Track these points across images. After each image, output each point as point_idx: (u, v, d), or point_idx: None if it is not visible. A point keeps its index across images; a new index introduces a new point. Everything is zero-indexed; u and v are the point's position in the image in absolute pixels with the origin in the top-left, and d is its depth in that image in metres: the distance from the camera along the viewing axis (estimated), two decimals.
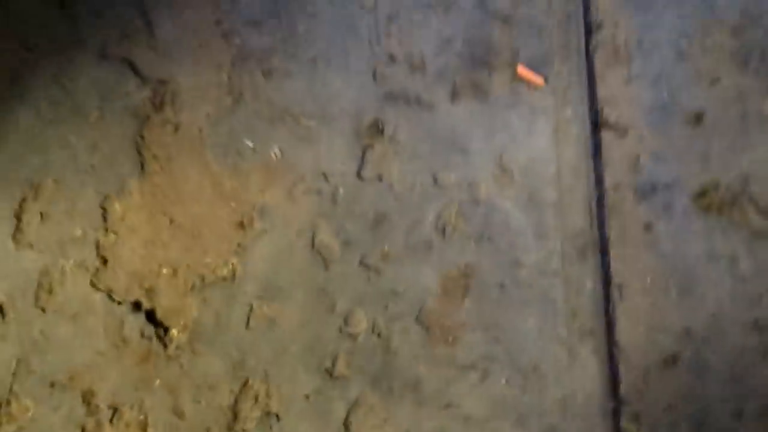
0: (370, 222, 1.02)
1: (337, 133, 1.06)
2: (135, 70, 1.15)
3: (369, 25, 1.11)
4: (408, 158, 1.04)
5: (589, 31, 1.05)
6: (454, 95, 1.05)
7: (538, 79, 1.02)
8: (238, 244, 1.03)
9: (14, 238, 1.10)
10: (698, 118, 1.00)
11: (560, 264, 0.95)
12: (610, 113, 1.01)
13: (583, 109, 1.01)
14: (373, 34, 1.10)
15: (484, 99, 1.04)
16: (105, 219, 1.08)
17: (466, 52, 1.07)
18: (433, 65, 1.07)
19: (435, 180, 1.02)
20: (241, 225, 1.04)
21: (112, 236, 1.07)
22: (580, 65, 1.03)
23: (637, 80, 1.02)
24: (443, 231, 1.00)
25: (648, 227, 0.96)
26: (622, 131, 1.00)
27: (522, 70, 1.03)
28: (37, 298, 1.06)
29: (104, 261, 1.06)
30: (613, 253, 0.96)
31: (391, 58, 1.09)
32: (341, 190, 1.03)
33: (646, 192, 0.98)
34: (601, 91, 1.02)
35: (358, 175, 1.04)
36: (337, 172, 1.04)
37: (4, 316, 1.05)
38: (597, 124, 1.01)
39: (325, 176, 1.04)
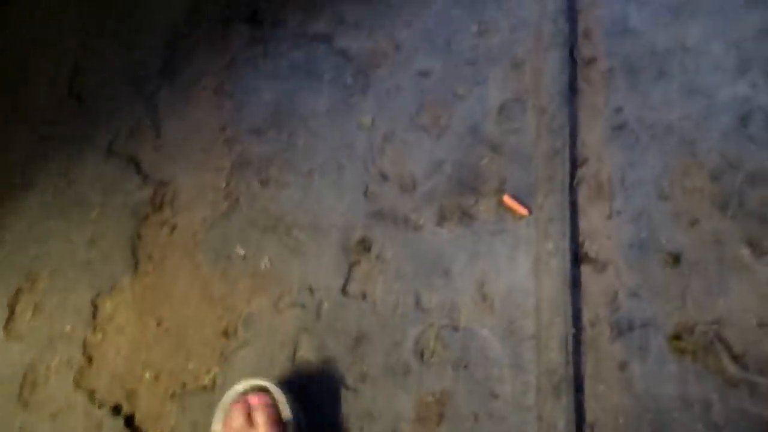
0: (351, 340, 1.05)
1: (325, 247, 1.11)
2: (139, 169, 1.22)
3: (365, 144, 1.17)
4: (392, 278, 1.07)
5: (574, 166, 1.10)
6: (441, 218, 1.10)
7: (523, 210, 1.07)
8: (221, 353, 1.07)
9: (5, 328, 1.14)
10: (676, 259, 1.03)
11: (535, 399, 0.97)
12: (590, 247, 1.05)
13: (564, 241, 1.05)
14: (368, 153, 1.16)
15: (470, 224, 1.09)
16: (94, 316, 1.12)
17: (455, 176, 1.13)
18: (422, 187, 1.13)
19: (417, 301, 1.05)
20: (226, 333, 1.08)
21: (99, 335, 1.11)
22: (564, 199, 1.07)
23: (619, 217, 1.06)
24: (422, 355, 1.02)
25: (623, 366, 0.99)
26: (601, 266, 1.04)
27: (508, 200, 1.07)
28: (20, 393, 1.09)
29: (89, 360, 1.10)
30: (588, 390, 0.98)
31: (383, 177, 1.14)
32: (325, 305, 1.07)
33: (622, 329, 1.00)
34: (583, 225, 1.06)
35: (343, 291, 1.08)
36: (322, 287, 1.08)
37: None
38: (577, 257, 1.05)
39: (310, 290, 1.08)
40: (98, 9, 1.40)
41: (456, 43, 1.24)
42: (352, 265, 1.09)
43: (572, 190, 1.09)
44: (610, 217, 1.07)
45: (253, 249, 1.12)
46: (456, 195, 1.12)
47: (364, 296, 1.07)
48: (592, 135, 1.13)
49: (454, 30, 1.25)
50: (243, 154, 1.20)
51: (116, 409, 1.06)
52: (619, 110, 1.15)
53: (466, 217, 1.10)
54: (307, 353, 1.05)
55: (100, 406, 1.07)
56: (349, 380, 1.03)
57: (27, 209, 1.21)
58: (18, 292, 1.15)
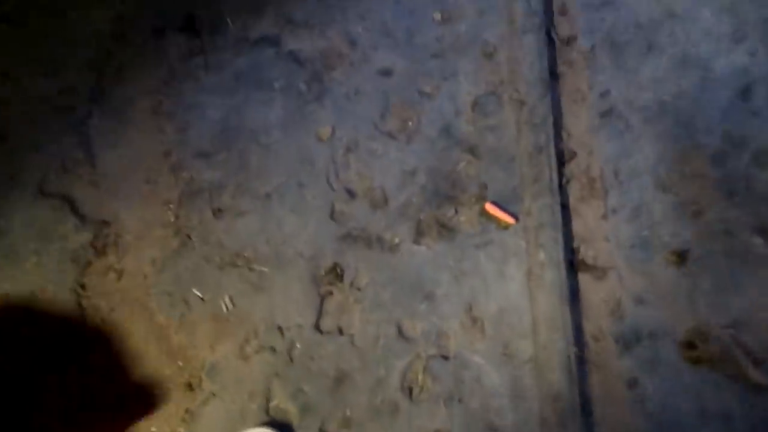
0: (330, 382, 0.94)
1: (292, 279, 1.00)
2: (75, 209, 1.09)
3: (326, 158, 1.05)
4: (370, 307, 0.97)
5: (561, 163, 0.99)
6: (419, 234, 0.99)
7: (509, 218, 0.96)
8: (186, 410, 0.96)
9: None
10: (682, 257, 0.94)
11: (539, 430, 0.88)
12: (586, 253, 0.95)
13: (558, 249, 0.95)
14: (331, 167, 1.05)
15: (451, 238, 0.98)
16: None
17: (430, 185, 1.02)
18: (395, 201, 1.02)
19: (400, 331, 0.95)
20: (189, 386, 0.97)
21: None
22: (553, 201, 0.97)
23: (615, 215, 0.96)
24: (410, 391, 0.92)
25: (633, 383, 0.89)
26: (600, 273, 0.94)
27: (491, 208, 0.97)
28: None
29: None
30: (597, 414, 0.88)
31: (350, 194, 1.03)
32: (298, 346, 0.96)
33: (629, 342, 0.91)
34: (577, 228, 0.96)
35: (316, 327, 0.97)
36: (293, 325, 0.98)
37: None
38: (573, 265, 0.95)
39: (280, 330, 0.98)
40: (15, 34, 1.26)
41: (419, 35, 1.12)
42: (324, 297, 0.98)
43: (562, 190, 0.98)
44: (605, 216, 0.97)
45: (212, 289, 1.01)
46: (433, 207, 1.01)
47: (340, 331, 0.97)
48: (579, 125, 1.02)
49: (416, 20, 1.13)
50: (191, 182, 1.08)
51: None
52: (605, 94, 1.04)
53: (446, 230, 0.99)
54: (283, 402, 0.95)
55: None
56: (332, 427, 0.93)
57: None
58: None
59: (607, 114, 1.03)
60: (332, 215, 1.03)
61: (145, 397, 0.97)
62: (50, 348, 1.00)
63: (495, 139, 1.03)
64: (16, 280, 1.06)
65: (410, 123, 1.06)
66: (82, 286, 1.04)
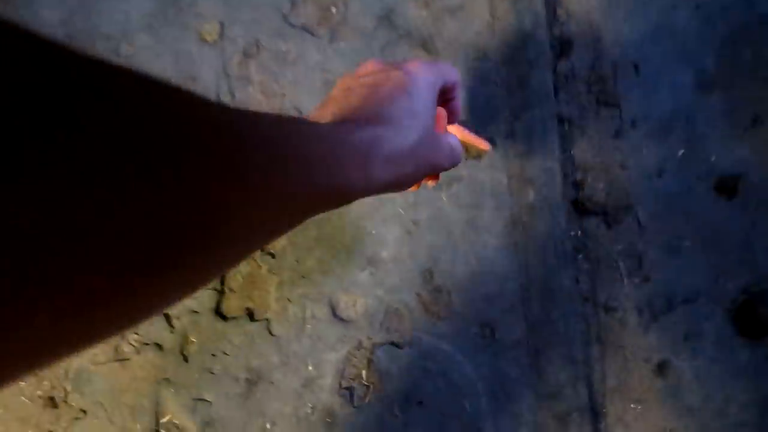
0: (240, 386, 0.68)
1: None
2: None
3: (214, 69, 0.73)
4: (290, 279, 0.69)
5: (556, 56, 0.68)
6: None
7: (480, 142, 0.65)
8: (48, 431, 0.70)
9: None
10: (733, 185, 0.64)
11: None
12: (594, 187, 0.66)
13: (553, 184, 0.66)
14: (222, 82, 0.73)
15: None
16: None
17: None
18: None
19: (333, 311, 0.68)
20: (51, 402, 0.70)
21: None
22: (546, 113, 0.66)
23: (635, 130, 0.66)
24: (350, 393, 0.66)
25: (662, 368, 0.63)
26: (614, 215, 0.65)
27: (457, 129, 0.65)
28: None
29: None
30: (611, 416, 0.63)
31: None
32: (193, 339, 0.69)
33: (657, 311, 0.64)
34: (581, 153, 0.67)
35: (217, 312, 0.69)
36: (184, 311, 0.70)
37: None
38: (575, 206, 0.66)
39: (167, 319, 0.70)
40: None
41: None
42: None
43: (558, 97, 0.67)
44: (621, 132, 0.66)
45: None
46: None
47: (250, 315, 0.69)
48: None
49: None
50: None
51: None
52: None
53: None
54: (177, 416, 0.69)
55: None
56: None
57: None
58: None
59: None
60: None
61: None
62: None
63: (458, 27, 0.70)
64: None
65: (334, 10, 0.73)
66: None
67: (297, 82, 0.72)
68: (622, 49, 0.67)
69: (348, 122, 0.41)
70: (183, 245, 0.21)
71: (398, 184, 0.45)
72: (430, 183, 0.66)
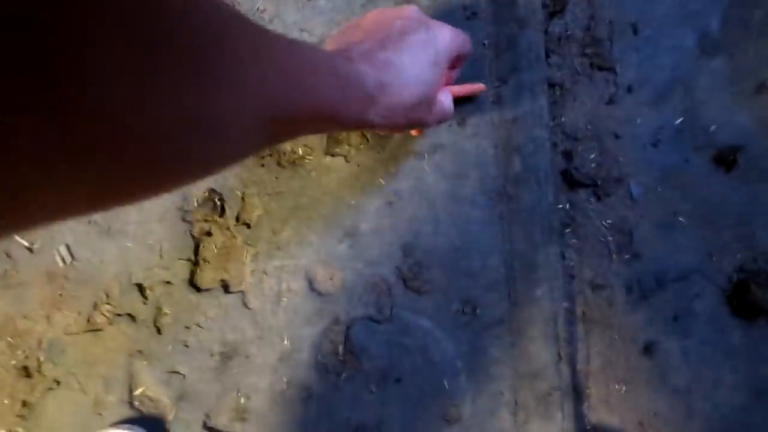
0: (215, 360, 0.66)
1: (151, 216, 0.68)
2: None
3: None
4: (266, 251, 0.66)
5: (548, 16, 0.63)
6: (332, 140, 0.66)
7: (474, 86, 0.61)
8: (23, 403, 0.69)
9: None
10: (733, 157, 0.60)
11: (512, 422, 0.60)
12: (585, 157, 0.62)
13: (543, 154, 0.62)
14: None
15: (381, 145, 0.65)
16: None
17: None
18: None
19: (310, 285, 0.66)
20: (25, 371, 0.69)
21: None
22: (535, 77, 0.62)
23: (631, 96, 0.62)
24: (327, 369, 0.64)
25: (650, 348, 0.60)
26: (606, 187, 0.62)
27: (457, 90, 0.61)
28: None
29: None
30: (595, 398, 0.60)
31: None
32: (166, 311, 0.67)
33: (646, 290, 0.61)
34: (572, 119, 0.63)
35: (191, 284, 0.67)
36: (157, 282, 0.68)
37: None
38: (565, 177, 0.62)
39: (140, 289, 0.68)
40: None
41: None
42: (199, 240, 0.68)
43: (549, 59, 0.63)
44: (615, 98, 0.62)
45: (41, 236, 0.70)
46: None
47: (225, 287, 0.67)
48: None
49: None
50: None
51: None
52: None
53: (373, 132, 0.65)
54: (151, 388, 0.67)
55: None
56: (221, 420, 0.66)
57: None
58: None
59: None
60: None
61: None
62: None
63: None
64: None
65: None
66: None
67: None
68: (619, 8, 0.62)
69: (367, 57, 0.41)
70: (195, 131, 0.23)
71: (388, 129, 0.45)
72: (415, 133, 0.63)
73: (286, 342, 0.66)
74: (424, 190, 0.64)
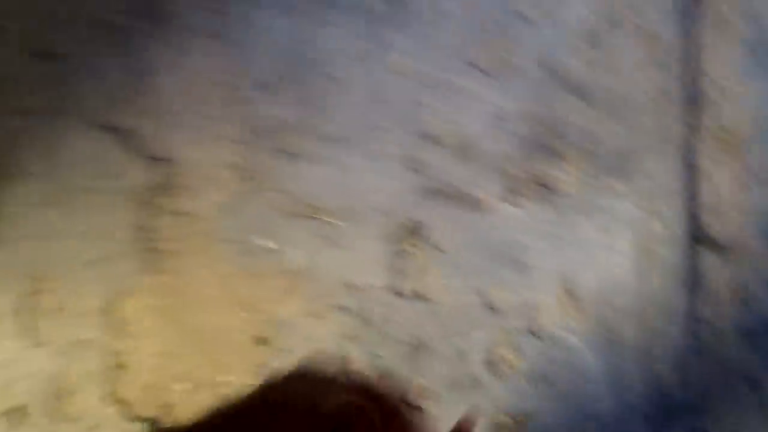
0: (407, 349, 0.88)
1: (367, 235, 0.91)
2: (132, 144, 1.02)
3: (403, 96, 0.91)
4: (452, 272, 0.88)
5: (692, 112, 0.81)
6: (511, 191, 0.86)
7: None
8: (258, 364, 0.93)
9: (21, 335, 1.04)
10: None
11: (642, 425, 0.79)
12: (714, 227, 0.80)
13: (679, 220, 0.80)
14: (409, 107, 0.90)
15: (549, 198, 0.85)
16: (115, 321, 1.00)
17: (527, 133, 0.87)
18: (484, 150, 0.88)
19: (485, 301, 0.86)
20: (261, 341, 0.93)
21: (123, 342, 0.99)
22: (679, 160, 0.80)
23: (757, 181, 0.79)
24: (493, 367, 0.85)
25: (755, 385, 0.78)
26: (729, 252, 0.80)
27: None
28: (52, 404, 1.01)
29: (117, 369, 0.99)
30: (710, 413, 0.79)
31: (432, 140, 0.90)
32: (373, 308, 0.89)
33: (754, 335, 0.78)
34: (706, 197, 0.81)
35: (393, 290, 0.89)
36: (368, 286, 0.90)
37: (27, 418, 1.01)
38: (696, 240, 0.81)
39: (354, 290, 0.90)
40: None
41: None
42: (401, 257, 0.89)
43: (690, 147, 0.81)
44: (744, 183, 0.80)
45: (280, 240, 0.94)
46: (529, 160, 0.87)
47: (419, 296, 0.88)
48: (720, 64, 0.82)
49: None
50: (256, 119, 0.97)
51: (153, 423, 0.97)
52: (759, 22, 0.82)
53: (544, 189, 0.85)
54: (359, 365, 0.90)
55: (136, 420, 0.98)
56: (409, 396, 0.88)
57: (17, 201, 1.05)
58: (28, 294, 1.03)
59: (760, 47, 0.82)
60: (410, 164, 0.90)
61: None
62: None
63: (610, 80, 0.84)
64: (78, 218, 1.02)
65: (505, 55, 0.89)
66: (147, 227, 0.99)
67: (469, 112, 0.89)
68: (752, 110, 0.79)
69: None
70: None
71: None
72: None
73: (463, 343, 0.87)
74: (582, 238, 0.83)
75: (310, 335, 0.91)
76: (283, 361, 0.92)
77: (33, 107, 1.07)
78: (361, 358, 0.89)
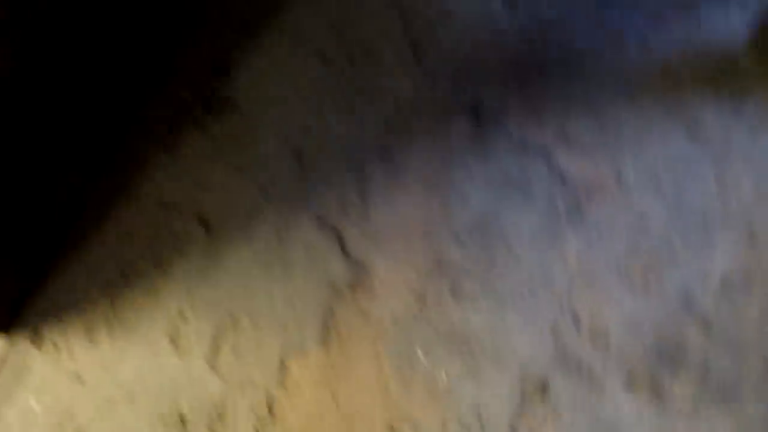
0: None
1: (504, 377, 1.13)
2: (342, 245, 1.32)
3: (564, 279, 1.16)
4: None
5: None
6: (629, 384, 1.07)
7: None
8: None
9: (207, 359, 1.32)
10: None
11: None
12: None
13: None
14: (566, 289, 1.15)
15: (659, 401, 1.05)
16: (281, 374, 1.26)
17: (654, 342, 1.09)
18: (615, 343, 1.10)
19: None
20: (392, 429, 1.16)
21: (282, 392, 1.24)
22: None
23: None
24: None
25: None
26: None
27: None
28: (210, 423, 1.26)
29: (270, 413, 1.24)
30: None
31: (576, 320, 1.13)
32: None
33: None
34: None
35: (511, 428, 1.10)
36: (492, 417, 1.12)
37: (184, 427, 1.26)
38: None
39: (480, 417, 1.12)
40: (331, 74, 1.50)
41: (687, 193, 1.17)
42: (525, 405, 1.11)
43: None
44: None
45: (434, 359, 1.18)
46: (650, 363, 1.08)
47: None
48: None
49: (688, 176, 1.18)
50: (441, 258, 1.25)
51: None
52: None
53: (657, 392, 1.06)
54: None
55: None
56: None
57: (241, 257, 1.37)
58: (222, 329, 1.32)
59: None
60: (554, 332, 1.14)
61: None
62: None
63: (733, 322, 1.06)
64: (283, 286, 1.32)
65: (652, 276, 1.13)
66: (332, 311, 1.27)
67: (611, 309, 1.12)
68: None
69: None
70: None
71: None
72: None
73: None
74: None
75: None
76: None
77: (273, 193, 1.41)
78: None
